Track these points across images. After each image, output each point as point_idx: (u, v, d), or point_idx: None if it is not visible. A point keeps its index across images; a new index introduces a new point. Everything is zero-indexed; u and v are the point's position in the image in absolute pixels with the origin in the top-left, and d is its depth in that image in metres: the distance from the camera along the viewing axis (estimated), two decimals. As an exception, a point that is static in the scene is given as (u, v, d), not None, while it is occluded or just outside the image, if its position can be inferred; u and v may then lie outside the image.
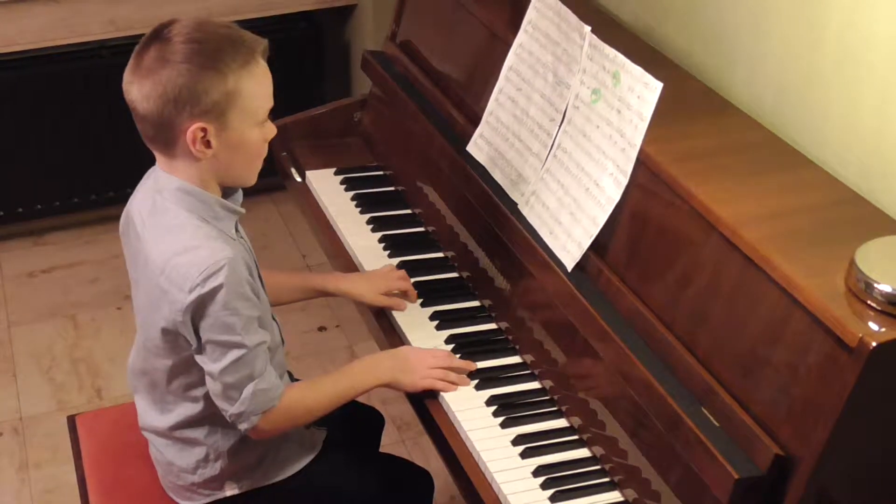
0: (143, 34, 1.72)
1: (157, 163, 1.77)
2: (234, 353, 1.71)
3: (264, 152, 1.78)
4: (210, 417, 1.84)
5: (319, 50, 3.81)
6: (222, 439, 1.86)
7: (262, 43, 1.72)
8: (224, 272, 1.67)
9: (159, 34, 1.68)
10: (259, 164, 1.78)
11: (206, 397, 1.81)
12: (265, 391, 1.75)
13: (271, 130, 1.77)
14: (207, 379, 1.76)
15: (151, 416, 1.90)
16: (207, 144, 1.69)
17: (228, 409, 1.75)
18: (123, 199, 1.86)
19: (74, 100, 3.53)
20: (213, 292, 1.67)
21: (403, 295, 2.11)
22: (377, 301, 2.09)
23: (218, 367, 1.72)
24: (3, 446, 2.95)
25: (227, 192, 1.79)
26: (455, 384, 1.90)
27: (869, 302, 1.46)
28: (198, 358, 1.75)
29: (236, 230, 1.81)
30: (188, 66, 1.64)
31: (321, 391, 1.87)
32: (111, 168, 3.62)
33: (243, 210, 1.81)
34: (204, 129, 1.67)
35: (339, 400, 1.88)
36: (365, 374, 1.90)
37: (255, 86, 1.70)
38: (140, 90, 1.67)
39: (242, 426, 1.77)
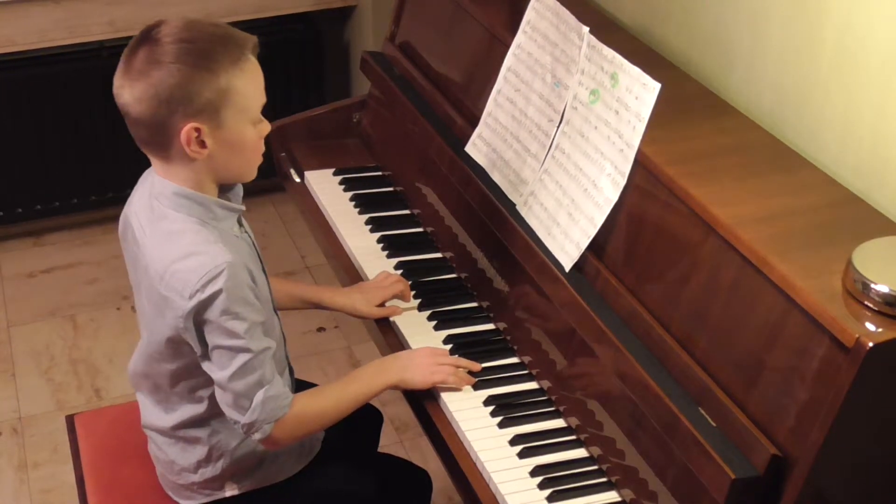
0: (141, 35, 1.72)
1: (152, 166, 1.77)
2: (241, 358, 1.70)
3: (261, 149, 1.76)
4: (213, 417, 1.84)
5: (319, 51, 3.81)
6: (225, 439, 1.86)
7: (252, 39, 1.71)
8: (223, 277, 1.66)
9: (148, 36, 1.67)
10: (257, 160, 1.77)
11: (211, 398, 1.80)
12: (275, 398, 1.74)
13: (265, 127, 1.76)
14: (217, 391, 1.75)
15: (154, 415, 1.90)
16: (202, 144, 1.68)
17: (240, 420, 1.74)
18: (122, 199, 1.86)
19: (73, 100, 3.53)
20: (213, 297, 1.66)
21: (399, 297, 2.11)
22: (374, 313, 2.09)
23: (226, 375, 1.71)
24: (2, 446, 2.95)
25: (225, 188, 1.79)
26: (467, 379, 1.89)
27: (866, 302, 1.46)
28: (205, 367, 1.74)
29: (241, 225, 1.80)
30: (179, 67, 1.63)
31: (330, 397, 1.85)
32: (110, 169, 3.62)
33: (243, 207, 1.80)
34: (198, 129, 1.66)
35: (349, 405, 1.86)
36: (373, 376, 1.88)
37: (247, 83, 1.69)
38: (132, 93, 1.66)
39: (256, 436, 1.76)
